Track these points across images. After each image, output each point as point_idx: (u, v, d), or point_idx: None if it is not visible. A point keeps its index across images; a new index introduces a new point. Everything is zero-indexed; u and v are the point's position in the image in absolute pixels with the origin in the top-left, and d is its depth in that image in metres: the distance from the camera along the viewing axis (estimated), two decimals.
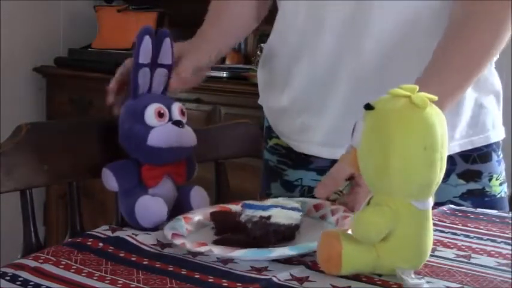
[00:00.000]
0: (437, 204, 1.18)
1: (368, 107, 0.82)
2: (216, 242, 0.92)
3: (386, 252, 0.82)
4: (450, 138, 1.19)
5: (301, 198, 1.08)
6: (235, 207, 1.02)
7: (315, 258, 0.85)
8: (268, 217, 0.92)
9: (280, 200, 0.98)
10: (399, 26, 1.16)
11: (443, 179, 1.19)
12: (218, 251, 0.87)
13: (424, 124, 0.80)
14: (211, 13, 1.33)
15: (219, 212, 1.02)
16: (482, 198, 1.24)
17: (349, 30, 1.17)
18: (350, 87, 1.19)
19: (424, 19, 1.16)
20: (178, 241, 0.91)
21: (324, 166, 1.26)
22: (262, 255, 0.87)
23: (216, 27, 1.31)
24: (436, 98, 0.83)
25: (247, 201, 0.98)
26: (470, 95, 1.22)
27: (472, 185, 1.25)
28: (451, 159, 1.22)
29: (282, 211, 0.93)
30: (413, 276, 0.81)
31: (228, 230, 0.97)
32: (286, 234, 0.93)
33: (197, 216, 1.02)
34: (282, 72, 1.29)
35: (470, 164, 1.24)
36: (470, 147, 1.24)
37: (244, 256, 0.86)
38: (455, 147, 1.22)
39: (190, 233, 0.98)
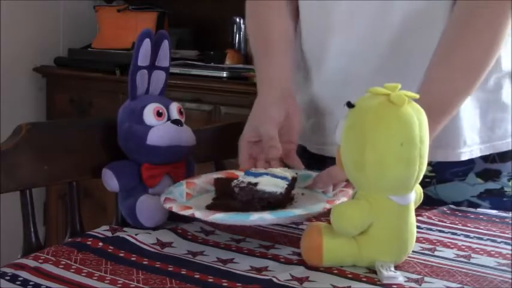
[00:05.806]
0: (454, 204, 1.18)
1: (349, 105, 0.83)
2: (208, 207, 0.95)
3: (366, 245, 0.84)
4: (470, 141, 1.18)
5: (307, 171, 1.07)
6: (241, 174, 1.02)
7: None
8: (255, 184, 0.93)
9: (278, 170, 0.98)
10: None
11: (461, 177, 1.20)
12: (199, 214, 0.88)
13: (401, 121, 0.80)
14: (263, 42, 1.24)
15: (221, 178, 1.04)
16: (500, 198, 1.21)
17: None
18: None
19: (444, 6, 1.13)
20: (167, 205, 0.93)
21: None
22: (242, 219, 0.87)
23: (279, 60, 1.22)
24: (416, 96, 0.83)
25: (251, 169, 0.99)
26: (489, 98, 1.20)
27: (491, 185, 1.21)
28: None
29: (270, 179, 0.94)
30: (392, 269, 0.82)
31: (226, 196, 0.98)
32: (271, 201, 0.93)
33: (201, 182, 1.04)
34: (305, 68, 1.27)
35: (489, 163, 1.21)
36: (491, 152, 1.21)
37: (223, 219, 0.87)
38: (476, 151, 1.20)
39: (192, 197, 1.00)
